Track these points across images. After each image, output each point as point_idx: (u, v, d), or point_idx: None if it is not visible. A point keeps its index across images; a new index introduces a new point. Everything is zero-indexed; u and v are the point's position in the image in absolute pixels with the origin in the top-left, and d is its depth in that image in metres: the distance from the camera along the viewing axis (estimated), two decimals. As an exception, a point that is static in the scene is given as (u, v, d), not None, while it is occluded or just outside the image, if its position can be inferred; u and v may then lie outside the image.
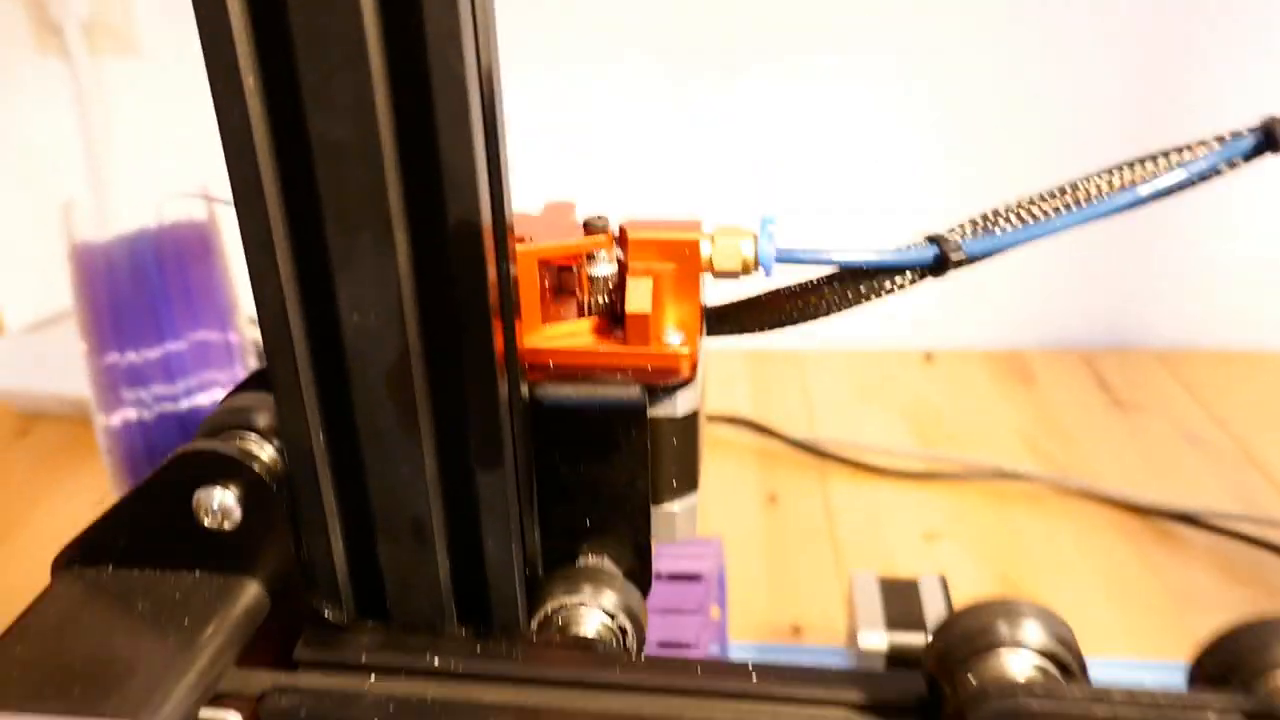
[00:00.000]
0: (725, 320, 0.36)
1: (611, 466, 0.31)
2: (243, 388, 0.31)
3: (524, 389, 0.30)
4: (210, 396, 0.51)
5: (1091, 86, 0.90)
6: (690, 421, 0.31)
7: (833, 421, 0.88)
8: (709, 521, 0.75)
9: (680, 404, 0.31)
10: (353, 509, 0.28)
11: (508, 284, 0.27)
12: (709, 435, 0.87)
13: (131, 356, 0.54)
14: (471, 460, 0.27)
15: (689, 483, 0.33)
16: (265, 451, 0.28)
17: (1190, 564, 0.71)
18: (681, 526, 0.33)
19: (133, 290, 0.52)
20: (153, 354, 0.51)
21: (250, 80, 0.22)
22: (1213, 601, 0.67)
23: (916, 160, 0.93)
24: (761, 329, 0.35)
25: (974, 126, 0.92)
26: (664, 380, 0.30)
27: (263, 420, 0.29)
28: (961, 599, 0.63)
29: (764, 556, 0.72)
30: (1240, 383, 0.92)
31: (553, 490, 0.31)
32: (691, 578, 0.50)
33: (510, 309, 0.27)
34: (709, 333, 0.35)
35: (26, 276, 0.96)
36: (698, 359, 0.31)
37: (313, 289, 0.25)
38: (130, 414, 0.53)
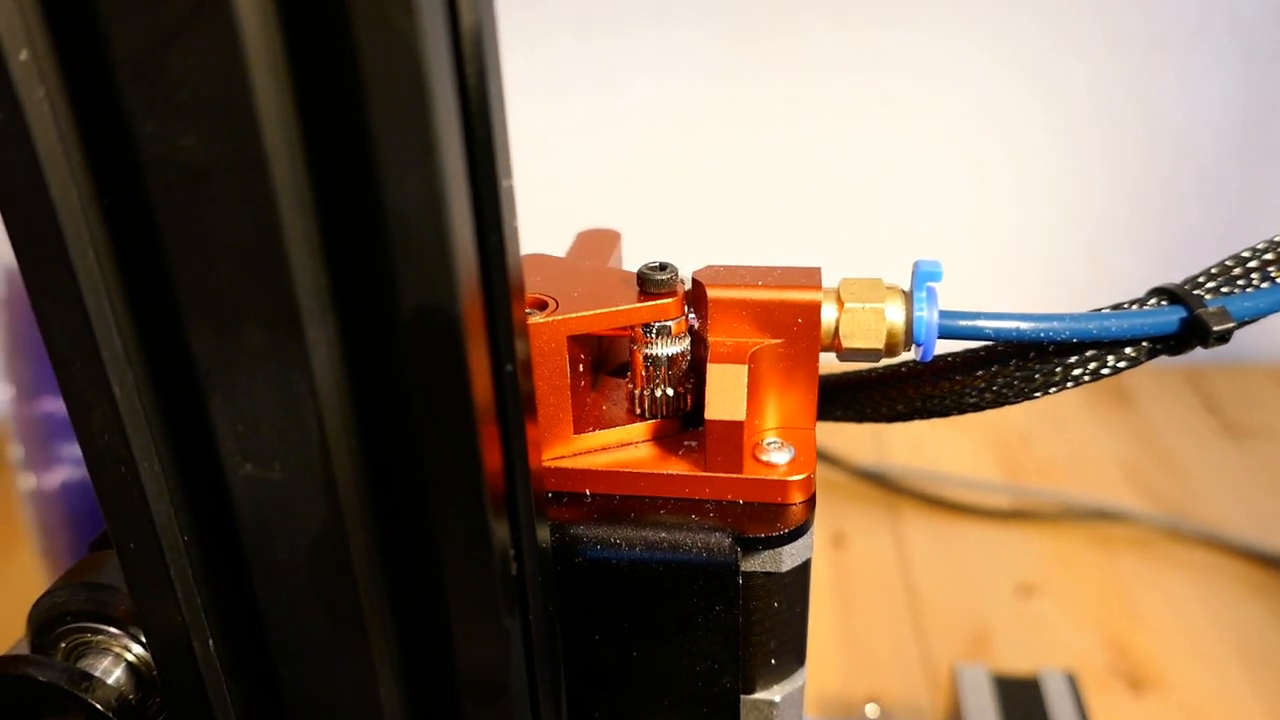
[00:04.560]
0: (837, 402, 0.25)
1: (683, 650, 0.20)
2: (104, 543, 0.20)
3: (544, 533, 0.19)
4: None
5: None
6: (800, 576, 0.21)
7: (903, 448, 0.77)
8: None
9: (787, 556, 0.20)
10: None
11: (511, 386, 0.16)
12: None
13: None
14: (457, 676, 0.17)
15: (794, 658, 0.22)
16: (132, 652, 0.18)
17: (1340, 630, 0.60)
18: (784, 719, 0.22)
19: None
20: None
21: (23, 55, 0.12)
22: (1370, 676, 0.57)
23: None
24: (892, 418, 0.24)
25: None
26: (766, 526, 0.19)
27: (126, 603, 0.18)
28: (1087, 694, 0.52)
29: (832, 612, 0.62)
30: (1370, 405, 0.80)
31: (594, 680, 0.21)
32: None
33: (518, 421, 0.16)
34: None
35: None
36: (814, 486, 0.20)
37: (177, 422, 0.15)
38: (70, 473, 0.43)
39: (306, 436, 0.14)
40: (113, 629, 0.18)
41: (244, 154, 0.12)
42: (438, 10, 0.12)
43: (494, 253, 0.14)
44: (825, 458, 0.74)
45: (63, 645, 0.18)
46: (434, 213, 0.13)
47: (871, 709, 0.48)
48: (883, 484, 0.72)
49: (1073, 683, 0.44)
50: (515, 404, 0.16)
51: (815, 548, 0.68)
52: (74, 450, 0.43)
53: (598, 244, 0.24)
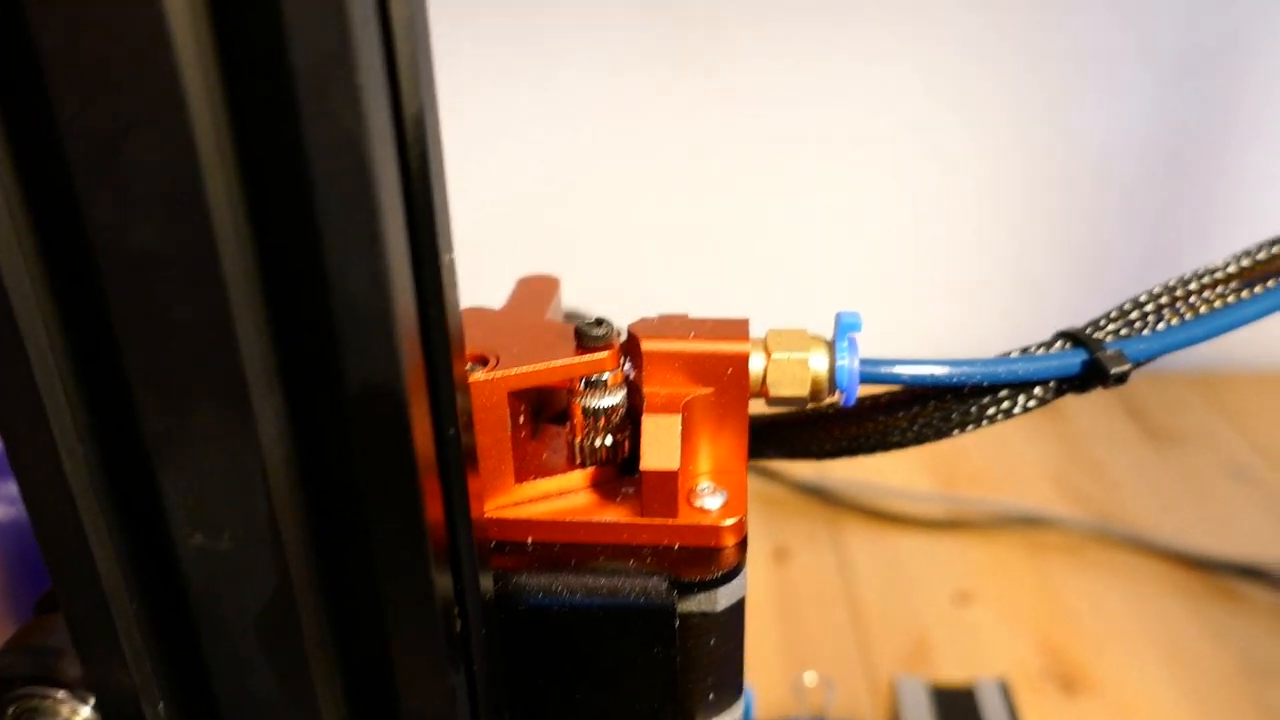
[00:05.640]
0: (769, 442, 0.26)
1: (624, 691, 0.21)
2: (50, 603, 0.20)
3: (486, 583, 0.20)
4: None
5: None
6: (734, 614, 0.22)
7: (843, 462, 0.78)
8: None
9: (722, 596, 0.21)
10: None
11: (454, 448, 0.17)
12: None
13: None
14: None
15: (731, 691, 0.23)
16: (80, 714, 0.18)
17: (1257, 626, 0.63)
18: (720, 749, 0.23)
19: None
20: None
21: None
22: (1289, 672, 0.59)
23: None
24: (820, 456, 0.25)
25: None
26: (701, 569, 0.20)
27: (74, 666, 0.18)
28: (1022, 698, 0.54)
29: (775, 626, 0.63)
30: (1284, 410, 0.84)
31: (536, 721, 0.21)
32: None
33: (461, 482, 0.17)
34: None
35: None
36: (746, 529, 0.21)
37: (127, 495, 0.15)
38: (2, 513, 0.42)
39: (255, 507, 0.15)
40: (61, 692, 0.18)
41: (195, 243, 0.13)
42: (383, 106, 0.13)
43: (435, 325, 0.15)
44: (767, 474, 0.75)
45: (10, 710, 0.18)
46: (378, 293, 0.13)
47: (810, 676, 0.50)
48: (823, 498, 0.74)
49: (1005, 690, 0.46)
50: (458, 465, 0.17)
51: (758, 564, 0.68)
52: (4, 489, 0.43)
53: (537, 292, 0.25)
